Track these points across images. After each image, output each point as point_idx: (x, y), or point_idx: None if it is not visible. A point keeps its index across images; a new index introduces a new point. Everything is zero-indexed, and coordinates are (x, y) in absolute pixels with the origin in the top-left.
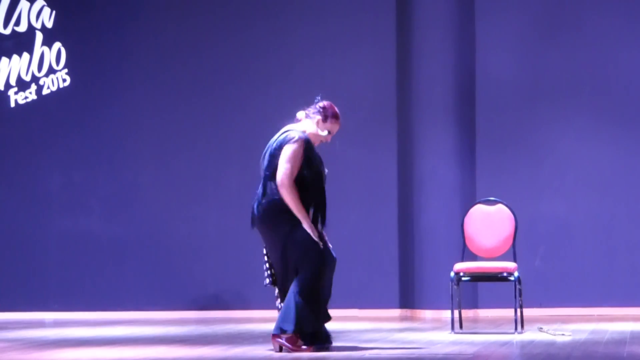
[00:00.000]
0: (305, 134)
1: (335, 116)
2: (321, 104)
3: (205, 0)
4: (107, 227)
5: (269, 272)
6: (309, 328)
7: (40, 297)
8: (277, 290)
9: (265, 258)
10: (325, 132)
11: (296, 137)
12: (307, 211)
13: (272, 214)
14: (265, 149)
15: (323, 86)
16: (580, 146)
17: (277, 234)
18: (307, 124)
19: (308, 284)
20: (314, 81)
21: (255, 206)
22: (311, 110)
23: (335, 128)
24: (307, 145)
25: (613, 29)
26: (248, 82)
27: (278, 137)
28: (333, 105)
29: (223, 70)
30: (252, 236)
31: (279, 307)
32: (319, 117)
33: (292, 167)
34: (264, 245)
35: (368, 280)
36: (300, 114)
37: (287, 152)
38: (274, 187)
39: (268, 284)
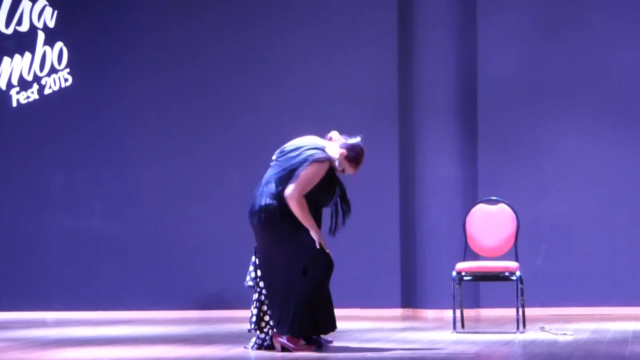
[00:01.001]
0: (332, 158)
1: (359, 163)
2: (358, 146)
3: (207, 0)
4: (108, 226)
5: (253, 274)
6: (309, 332)
7: (42, 297)
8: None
9: (253, 258)
10: (340, 167)
11: (323, 159)
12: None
13: (278, 216)
14: (286, 148)
15: (325, 85)
16: (582, 145)
17: (280, 235)
18: (333, 148)
19: (315, 288)
20: (315, 80)
21: (259, 203)
22: (343, 139)
23: (351, 172)
24: (329, 169)
25: (615, 28)
26: (250, 82)
27: (306, 148)
28: (364, 153)
29: (225, 70)
30: (253, 236)
31: (255, 309)
32: (346, 152)
33: (307, 186)
34: (256, 245)
35: (370, 280)
36: (334, 135)
37: (309, 170)
38: (279, 189)
39: (250, 285)
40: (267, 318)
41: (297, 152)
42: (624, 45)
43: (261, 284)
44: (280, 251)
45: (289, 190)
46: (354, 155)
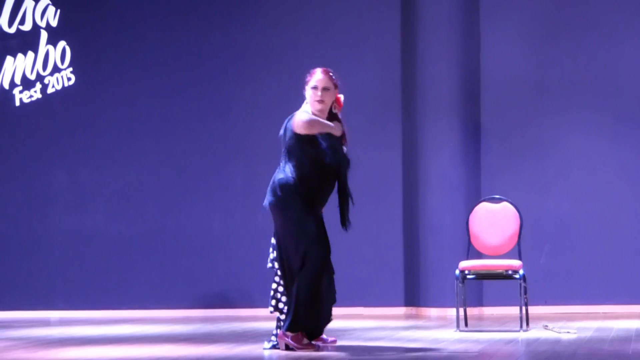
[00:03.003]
0: (309, 113)
1: (311, 72)
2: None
3: (211, 0)
4: (112, 225)
5: (272, 255)
6: (309, 328)
7: (45, 296)
8: (273, 285)
9: (273, 240)
10: (310, 92)
11: (297, 113)
12: (322, 201)
13: (286, 196)
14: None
15: None
16: (585, 143)
17: (284, 220)
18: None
19: (312, 282)
20: None
21: (269, 187)
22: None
23: (317, 79)
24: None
25: (618, 26)
26: (253, 81)
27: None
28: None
29: (228, 69)
30: (257, 234)
31: (272, 310)
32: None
33: (300, 124)
34: (274, 226)
35: (373, 279)
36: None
37: (295, 123)
38: (286, 168)
39: (270, 267)
40: (283, 299)
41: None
42: (627, 42)
43: (276, 264)
44: (286, 237)
45: (294, 126)
46: (306, 80)
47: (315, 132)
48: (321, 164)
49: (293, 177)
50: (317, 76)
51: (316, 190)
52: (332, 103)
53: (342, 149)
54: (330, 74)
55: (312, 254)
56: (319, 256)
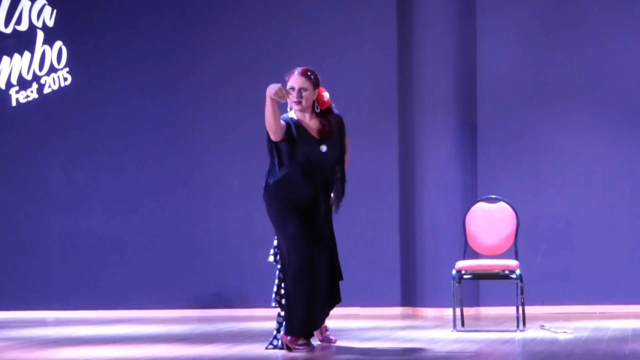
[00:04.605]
0: (286, 115)
1: (290, 73)
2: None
3: None
4: (108, 225)
5: (274, 250)
6: (299, 330)
7: (42, 296)
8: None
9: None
10: (289, 92)
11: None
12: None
13: (268, 198)
14: None
15: (324, 84)
16: (582, 143)
17: (271, 220)
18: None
19: (293, 283)
20: None
21: None
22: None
23: (293, 80)
24: (291, 124)
25: (615, 26)
26: (249, 81)
27: None
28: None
29: (224, 68)
30: (253, 234)
31: (275, 305)
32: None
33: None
34: None
35: (370, 279)
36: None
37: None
38: (270, 169)
39: (272, 261)
40: (282, 292)
41: None
42: (623, 43)
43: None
44: (277, 236)
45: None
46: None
47: (278, 128)
48: (298, 164)
49: (273, 179)
50: (293, 77)
51: (296, 190)
52: (315, 102)
53: (319, 149)
54: (309, 73)
55: (292, 257)
56: (297, 259)
